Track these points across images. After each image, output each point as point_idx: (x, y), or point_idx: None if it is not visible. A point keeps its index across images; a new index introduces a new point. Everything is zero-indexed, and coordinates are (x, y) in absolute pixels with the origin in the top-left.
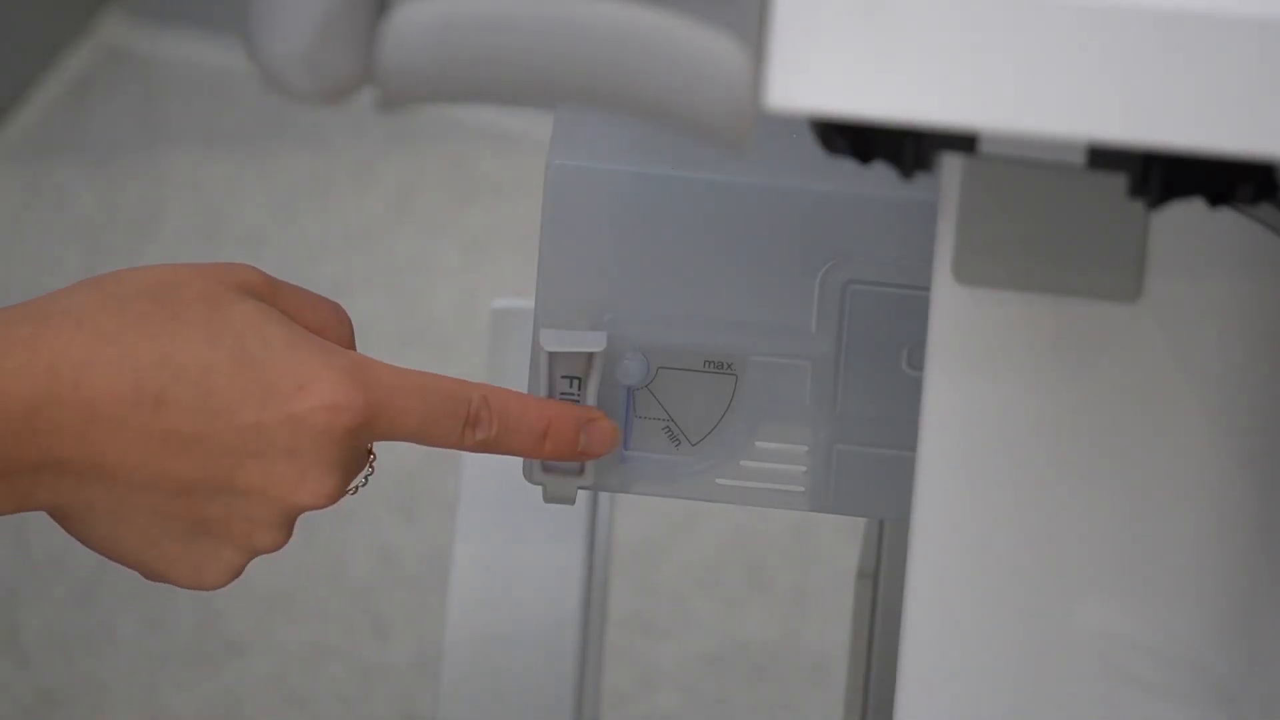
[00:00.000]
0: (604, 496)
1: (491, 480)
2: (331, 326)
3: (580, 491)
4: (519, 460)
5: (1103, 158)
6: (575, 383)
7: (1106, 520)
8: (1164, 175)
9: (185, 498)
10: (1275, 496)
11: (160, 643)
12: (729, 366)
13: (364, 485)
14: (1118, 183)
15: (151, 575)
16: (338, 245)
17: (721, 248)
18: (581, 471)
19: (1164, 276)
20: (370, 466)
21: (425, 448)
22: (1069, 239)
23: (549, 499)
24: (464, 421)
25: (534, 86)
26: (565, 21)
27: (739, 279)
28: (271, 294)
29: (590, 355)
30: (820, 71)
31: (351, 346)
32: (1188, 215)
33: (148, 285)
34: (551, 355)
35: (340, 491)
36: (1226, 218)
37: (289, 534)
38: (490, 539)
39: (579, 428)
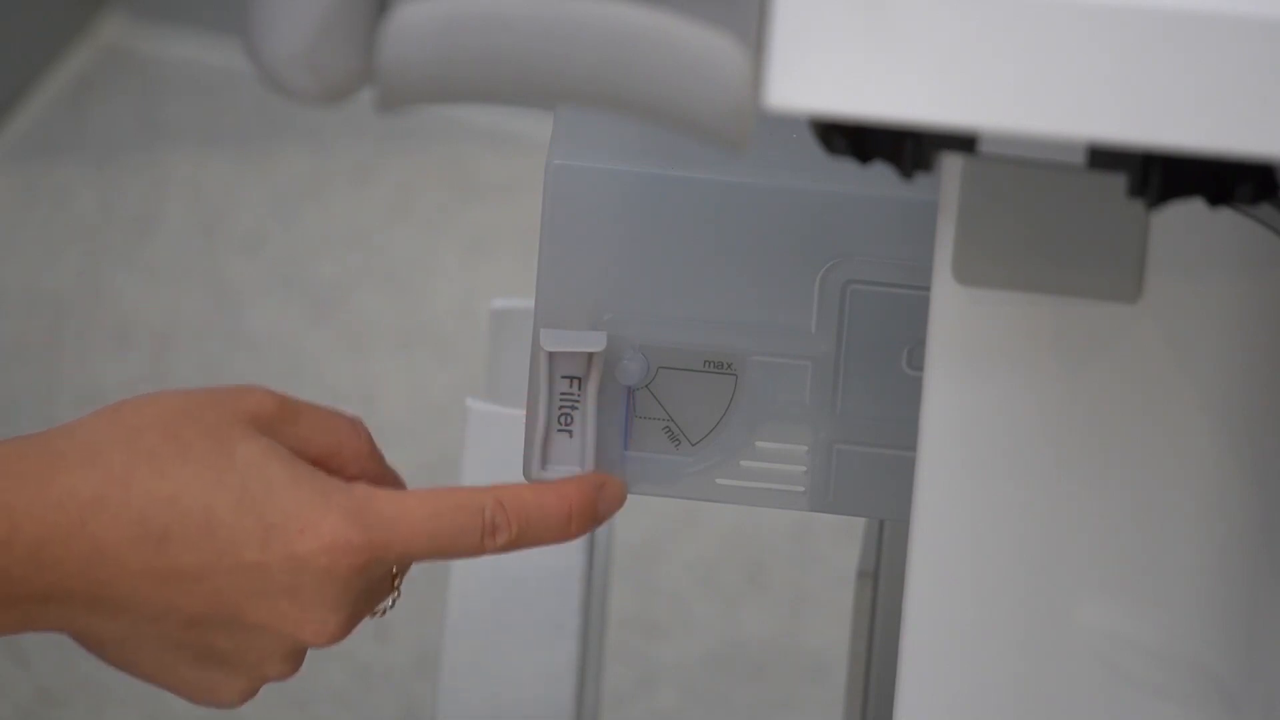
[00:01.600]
0: None
1: (492, 481)
2: (347, 442)
3: None
4: (519, 460)
5: (1103, 158)
6: (575, 382)
7: (1106, 520)
8: (1164, 175)
9: (194, 629)
10: (1275, 497)
11: None
12: (729, 366)
13: (391, 608)
14: (1118, 183)
15: (169, 691)
16: (338, 245)
17: (721, 248)
18: (582, 471)
19: (1164, 276)
20: (397, 590)
21: (422, 445)
22: (1069, 239)
23: None
24: (481, 532)
25: (534, 86)
26: (565, 21)
27: (739, 279)
28: (283, 420)
29: (590, 355)
30: (820, 71)
31: (370, 455)
32: (1188, 215)
33: (160, 418)
34: (551, 355)
35: (345, 630)
36: (1226, 218)
37: (299, 664)
38: None
39: (595, 496)
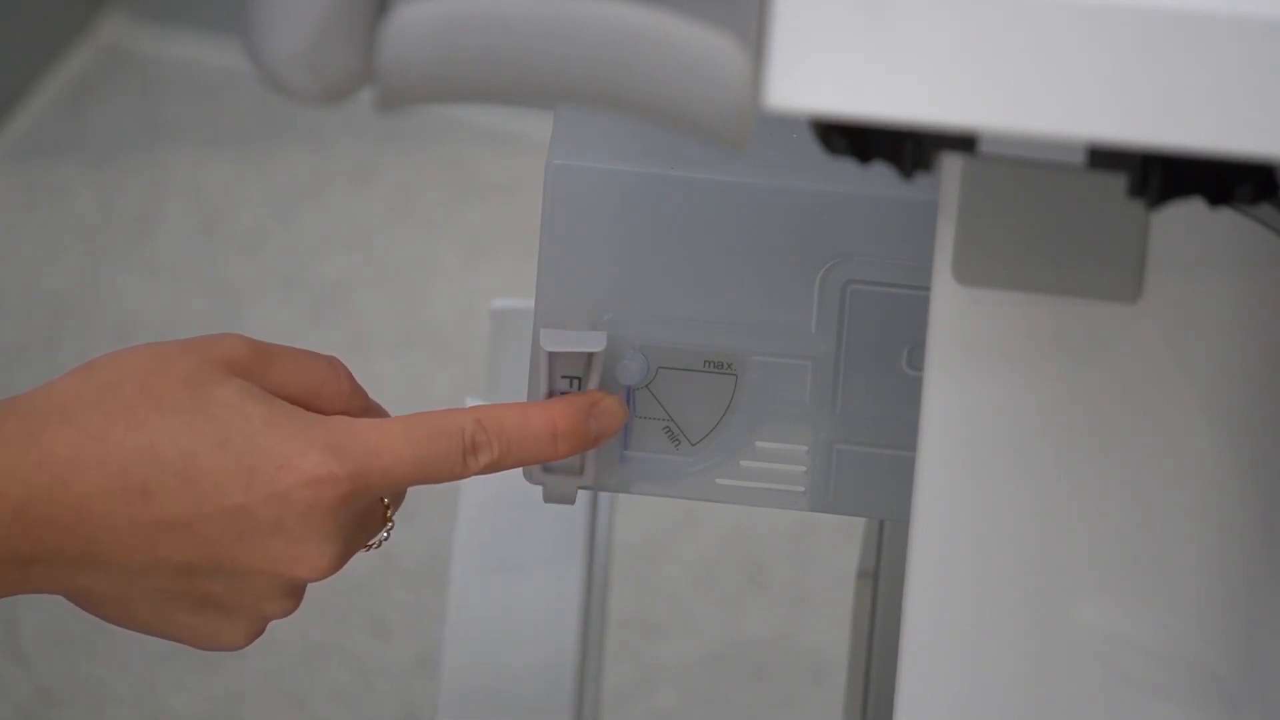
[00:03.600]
0: (604, 496)
1: (491, 480)
2: (327, 383)
3: (580, 491)
4: None
5: (1103, 158)
6: (575, 383)
7: (1106, 520)
8: (1164, 175)
9: (186, 577)
10: (1275, 496)
11: (160, 643)
12: (729, 366)
13: (386, 539)
14: (1118, 183)
15: (175, 641)
16: (338, 245)
17: (721, 248)
18: (581, 471)
19: (1164, 276)
20: (391, 522)
21: None
22: (1069, 239)
23: (549, 499)
24: (462, 451)
25: (534, 86)
26: (565, 21)
27: (739, 279)
28: (260, 364)
29: (590, 355)
30: (820, 71)
31: (352, 394)
32: (1188, 215)
33: (134, 370)
34: (551, 355)
35: (339, 561)
36: (1226, 218)
37: (298, 601)
38: (490, 539)
39: (586, 416)
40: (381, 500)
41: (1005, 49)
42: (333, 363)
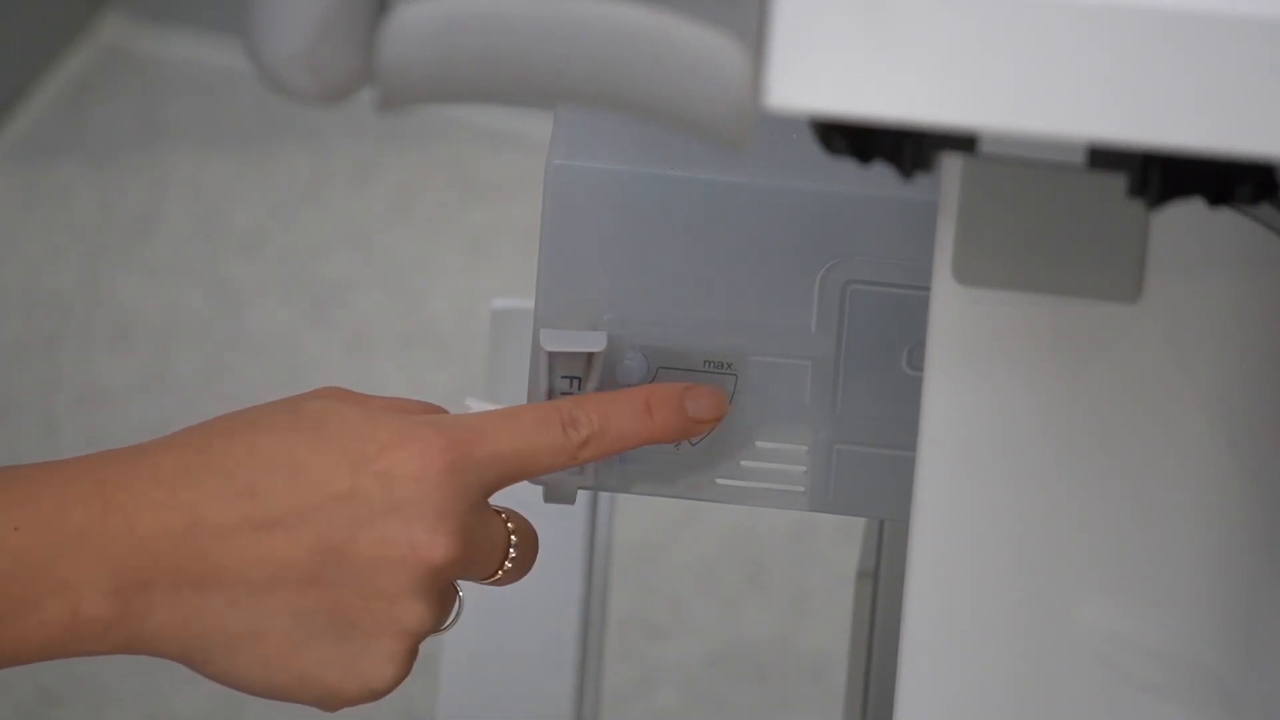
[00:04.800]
0: (604, 496)
1: None
2: (425, 409)
3: (580, 491)
4: None
5: (1103, 158)
6: (575, 383)
7: (1106, 520)
8: (1164, 175)
9: (313, 588)
10: (1275, 497)
11: None
12: (729, 366)
13: (510, 566)
14: (1118, 183)
15: (319, 693)
16: (338, 245)
17: (721, 248)
18: (581, 471)
19: (1164, 276)
20: (512, 543)
21: None
22: (1069, 239)
23: (549, 499)
24: (560, 423)
25: (534, 86)
26: (565, 21)
27: (739, 279)
28: (351, 394)
29: (590, 355)
30: (820, 71)
31: None
32: (1188, 215)
33: (227, 415)
34: (551, 355)
35: (461, 539)
36: (1226, 218)
37: (435, 604)
38: None
39: (679, 394)
40: (500, 515)
41: (1005, 49)
42: (431, 405)
